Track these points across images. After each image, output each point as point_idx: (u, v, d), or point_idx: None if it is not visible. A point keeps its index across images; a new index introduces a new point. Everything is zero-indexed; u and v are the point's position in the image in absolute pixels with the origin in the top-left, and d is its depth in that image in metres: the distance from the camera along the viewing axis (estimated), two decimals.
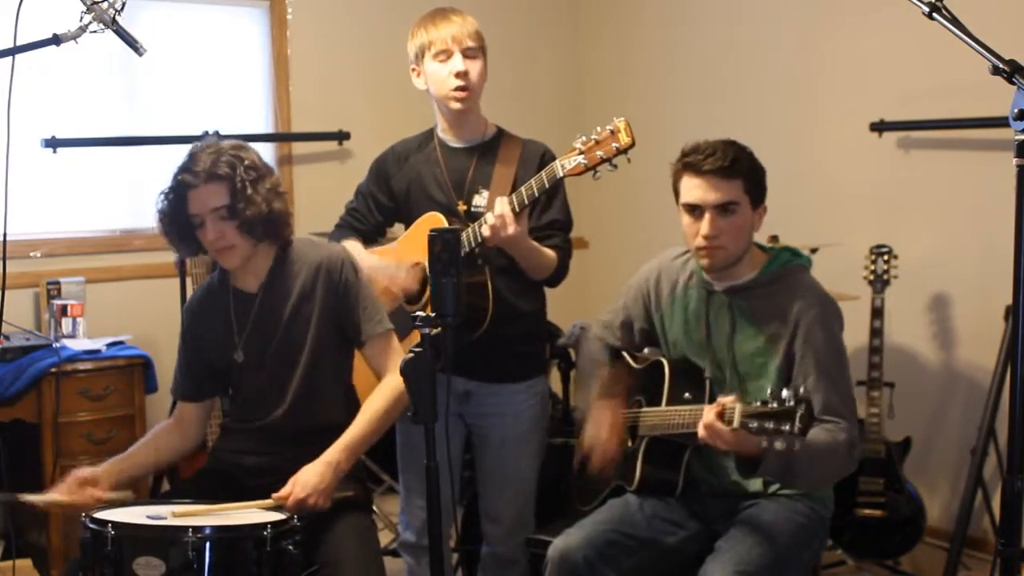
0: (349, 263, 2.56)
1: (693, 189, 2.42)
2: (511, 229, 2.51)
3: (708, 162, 2.39)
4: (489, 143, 2.80)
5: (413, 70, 2.77)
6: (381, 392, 2.50)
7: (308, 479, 2.33)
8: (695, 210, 2.43)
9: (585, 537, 2.42)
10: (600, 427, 2.57)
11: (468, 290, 2.55)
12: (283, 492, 2.32)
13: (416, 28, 2.74)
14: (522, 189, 2.54)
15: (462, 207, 2.75)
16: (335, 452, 2.40)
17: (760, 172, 2.47)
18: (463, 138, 2.80)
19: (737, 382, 2.48)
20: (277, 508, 2.30)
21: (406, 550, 2.93)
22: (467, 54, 2.68)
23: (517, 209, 2.53)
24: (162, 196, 2.50)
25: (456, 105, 2.71)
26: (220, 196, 2.43)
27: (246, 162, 2.47)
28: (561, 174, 2.50)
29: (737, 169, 2.39)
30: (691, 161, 2.42)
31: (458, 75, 2.67)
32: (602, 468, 2.58)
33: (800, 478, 2.31)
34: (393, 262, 2.78)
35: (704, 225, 2.40)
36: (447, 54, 2.68)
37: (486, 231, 2.53)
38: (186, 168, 2.45)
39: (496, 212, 2.52)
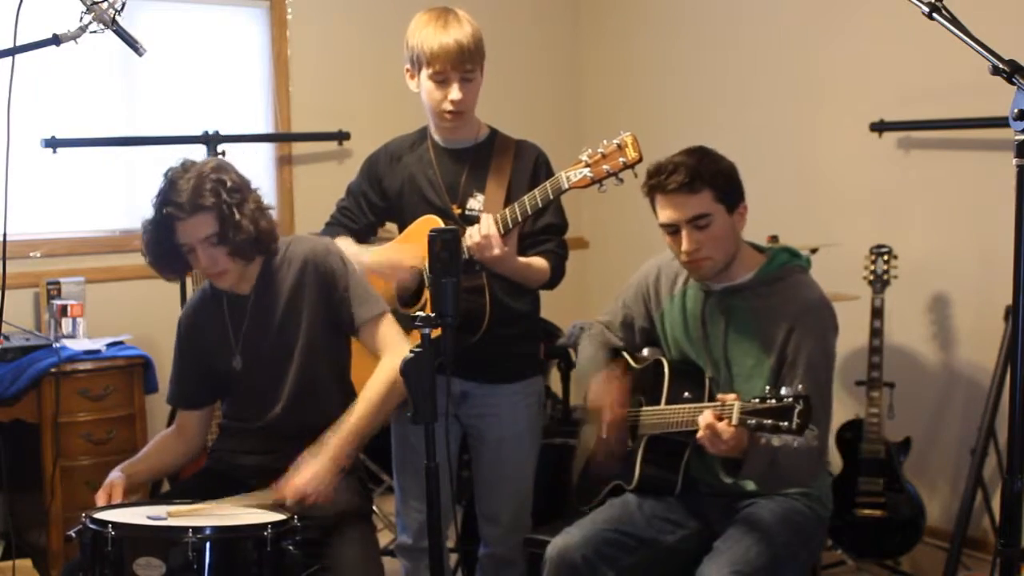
0: (335, 252, 2.56)
1: (663, 210, 2.44)
2: (496, 250, 2.49)
3: (670, 181, 2.39)
4: (483, 145, 2.77)
5: (408, 71, 2.72)
6: (378, 378, 2.47)
7: (308, 470, 2.33)
8: (671, 229, 2.44)
9: (584, 536, 2.43)
10: (605, 390, 2.58)
11: (466, 294, 2.56)
12: (283, 486, 2.31)
13: (416, 30, 2.65)
14: (525, 199, 2.52)
15: (457, 211, 2.72)
16: (334, 440, 2.38)
17: (728, 175, 2.44)
18: (456, 140, 2.77)
19: (731, 382, 2.48)
20: (280, 506, 2.29)
21: (403, 553, 2.91)
22: (465, 77, 2.64)
23: (511, 225, 2.51)
24: (147, 227, 2.47)
25: (445, 126, 2.70)
26: (208, 225, 2.41)
27: (228, 184, 2.43)
28: (566, 186, 2.48)
29: (701, 182, 2.38)
30: (655, 183, 2.43)
31: (453, 102, 2.63)
32: (610, 432, 2.56)
33: (776, 480, 2.34)
34: (389, 261, 2.76)
35: (684, 242, 2.42)
36: (445, 80, 2.62)
37: (471, 247, 2.50)
38: (169, 200, 2.41)
39: (482, 232, 2.50)
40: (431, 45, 2.60)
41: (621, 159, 2.42)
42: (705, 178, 2.39)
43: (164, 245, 2.47)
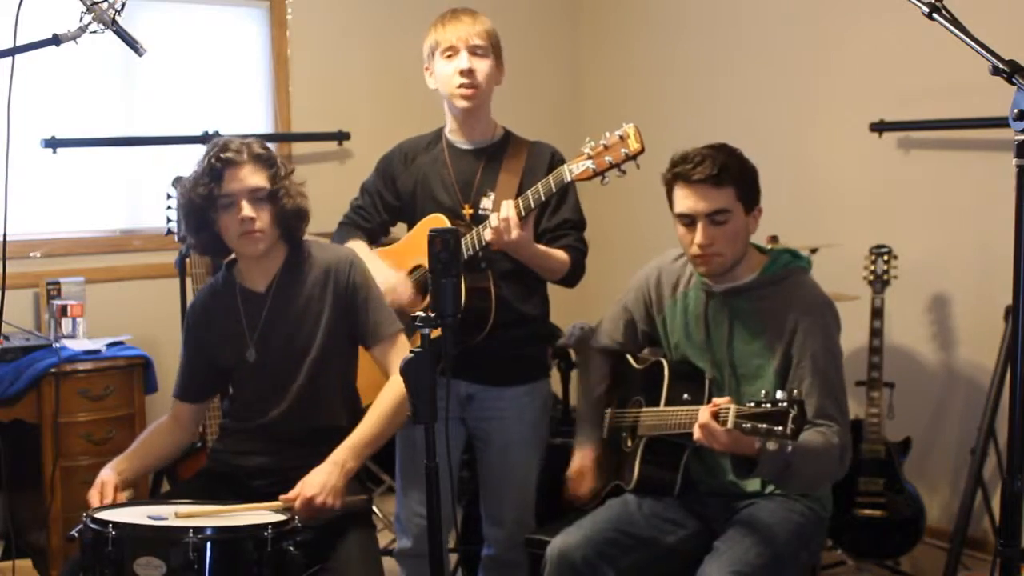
0: (358, 265, 2.57)
1: (684, 199, 2.42)
2: (515, 234, 2.50)
3: (697, 172, 2.38)
4: (497, 145, 2.79)
5: (426, 69, 2.78)
6: (387, 393, 2.49)
7: (316, 479, 2.33)
8: (688, 220, 2.43)
9: (584, 536, 2.43)
10: (579, 469, 2.70)
11: (471, 294, 2.56)
12: (292, 493, 2.31)
13: (429, 28, 2.76)
14: (528, 193, 2.53)
15: (468, 210, 2.74)
16: (342, 452, 2.40)
17: (751, 176, 2.45)
18: (471, 139, 2.79)
19: (735, 384, 2.48)
20: (286, 510, 2.30)
21: (404, 560, 2.91)
22: (474, 52, 2.68)
23: (523, 213, 2.52)
24: (189, 180, 2.47)
25: (462, 103, 2.70)
26: (262, 178, 2.46)
27: (278, 159, 2.53)
28: (569, 178, 2.49)
29: (727, 177, 2.38)
30: (680, 171, 2.41)
31: (462, 72, 2.66)
32: (576, 499, 2.69)
33: (795, 480, 2.32)
34: (391, 272, 2.75)
35: (698, 235, 2.40)
36: (454, 52, 2.68)
37: (488, 234, 2.52)
38: (225, 148, 2.45)
39: (501, 215, 2.51)
40: (442, 30, 2.71)
41: (623, 150, 2.42)
42: (731, 174, 2.39)
43: (205, 195, 2.44)
